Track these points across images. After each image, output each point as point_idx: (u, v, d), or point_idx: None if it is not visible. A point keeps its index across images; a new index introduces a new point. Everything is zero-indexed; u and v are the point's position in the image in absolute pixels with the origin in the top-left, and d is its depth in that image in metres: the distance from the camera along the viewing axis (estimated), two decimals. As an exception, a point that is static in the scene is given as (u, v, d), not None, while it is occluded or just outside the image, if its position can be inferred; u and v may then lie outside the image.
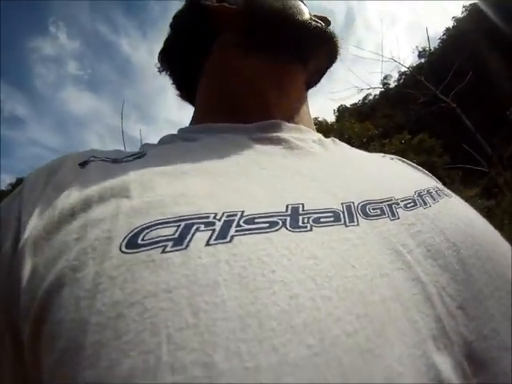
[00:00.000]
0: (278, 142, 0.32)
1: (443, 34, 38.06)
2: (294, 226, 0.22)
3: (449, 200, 0.30)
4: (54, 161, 0.29)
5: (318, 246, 0.21)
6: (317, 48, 0.39)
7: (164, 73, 0.46)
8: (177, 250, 0.19)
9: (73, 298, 0.18)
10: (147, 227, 0.20)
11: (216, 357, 0.15)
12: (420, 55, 37.24)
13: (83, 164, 0.28)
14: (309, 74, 0.41)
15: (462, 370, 0.19)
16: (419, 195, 0.29)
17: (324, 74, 0.45)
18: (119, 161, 0.29)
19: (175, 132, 0.37)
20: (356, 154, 0.38)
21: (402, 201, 0.27)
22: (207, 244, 0.19)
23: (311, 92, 0.46)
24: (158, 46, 0.46)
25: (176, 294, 0.17)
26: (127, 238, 0.20)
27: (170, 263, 0.18)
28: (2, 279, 0.21)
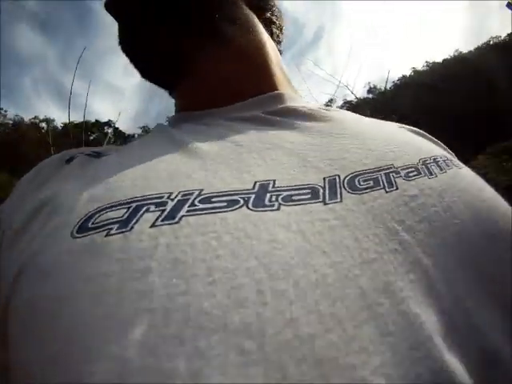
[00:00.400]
0: (258, 119, 0.28)
1: (398, 79, 37.52)
2: (258, 204, 0.19)
3: (459, 171, 0.26)
4: (45, 160, 0.29)
5: (283, 227, 0.18)
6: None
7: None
8: (120, 233, 0.17)
9: (28, 284, 0.18)
10: (100, 210, 0.19)
11: (130, 352, 0.13)
12: (369, 91, 36.09)
13: (69, 160, 0.27)
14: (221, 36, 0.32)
15: (476, 367, 0.16)
16: (424, 163, 0.25)
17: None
18: (104, 154, 0.28)
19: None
20: (357, 121, 0.31)
21: (402, 169, 0.23)
22: (152, 225, 0.18)
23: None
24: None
25: (107, 281, 0.16)
26: (80, 222, 0.19)
27: (110, 247, 0.17)
28: None
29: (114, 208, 0.19)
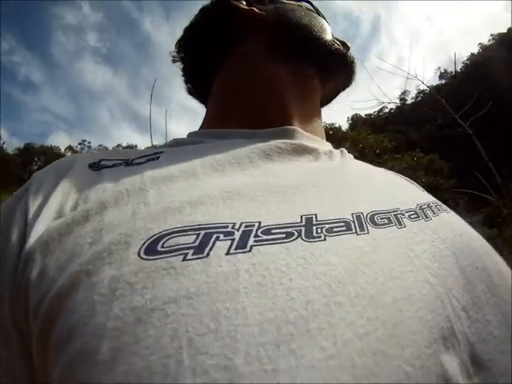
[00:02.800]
0: (292, 149, 0.33)
1: (467, 59, 37.86)
2: (309, 236, 0.23)
3: (447, 214, 0.33)
4: (61, 161, 0.30)
5: (332, 253, 0.22)
6: (337, 68, 0.43)
7: (178, 63, 0.47)
8: (198, 258, 0.19)
9: (87, 302, 0.18)
10: (166, 234, 0.21)
11: (236, 360, 0.16)
12: (441, 76, 37.23)
13: (94, 166, 0.29)
14: (324, 93, 0.44)
15: (466, 369, 0.20)
16: (420, 208, 0.31)
17: (335, 97, 0.48)
18: (131, 163, 0.30)
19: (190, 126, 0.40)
20: (362, 167, 0.40)
21: (406, 212, 0.29)
22: (227, 253, 0.20)
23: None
24: (180, 28, 0.46)
25: (197, 300, 0.17)
26: (146, 244, 0.20)
27: (190, 270, 0.19)
28: (7, 274, 0.22)
29: (182, 233, 0.20)
